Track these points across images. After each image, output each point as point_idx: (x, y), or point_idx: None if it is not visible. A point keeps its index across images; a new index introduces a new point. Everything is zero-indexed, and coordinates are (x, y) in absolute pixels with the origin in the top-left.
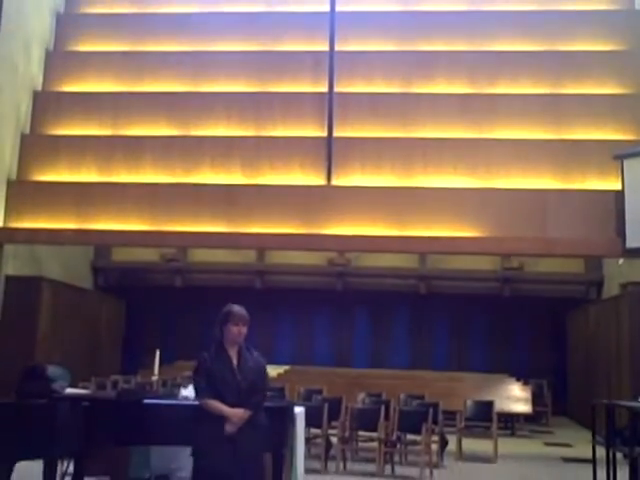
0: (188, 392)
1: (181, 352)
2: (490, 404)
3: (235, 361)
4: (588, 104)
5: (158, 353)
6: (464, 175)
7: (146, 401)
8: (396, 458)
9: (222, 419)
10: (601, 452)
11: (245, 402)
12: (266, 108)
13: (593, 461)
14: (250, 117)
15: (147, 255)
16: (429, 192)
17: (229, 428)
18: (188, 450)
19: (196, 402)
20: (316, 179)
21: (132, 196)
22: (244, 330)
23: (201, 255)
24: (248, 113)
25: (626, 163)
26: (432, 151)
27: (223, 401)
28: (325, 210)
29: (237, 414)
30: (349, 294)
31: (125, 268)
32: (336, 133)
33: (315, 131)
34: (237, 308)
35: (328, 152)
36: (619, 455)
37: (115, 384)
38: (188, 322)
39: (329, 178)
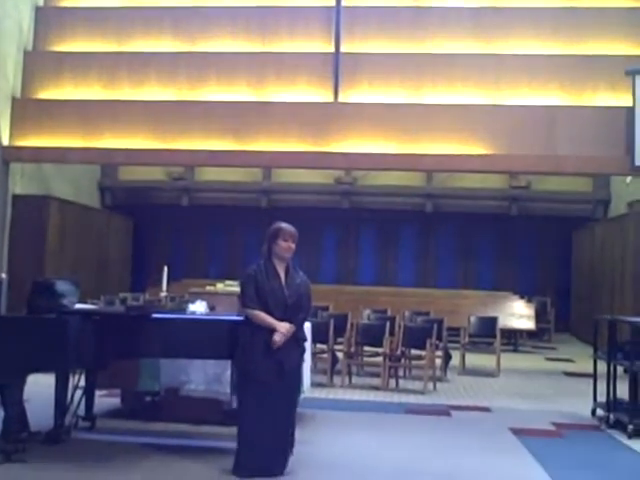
0: (196, 307)
1: (188, 269)
2: (494, 320)
3: (283, 277)
4: (602, 17)
5: (166, 270)
6: (473, 91)
7: (154, 315)
8: (400, 372)
9: (268, 331)
10: (602, 367)
11: (291, 317)
12: (272, 23)
13: (594, 375)
14: (256, 32)
15: (154, 174)
16: (438, 109)
17: (277, 339)
18: (198, 363)
19: (209, 316)
20: (323, 95)
21: (137, 113)
22: (293, 246)
23: (207, 174)
24: (254, 28)
25: (638, 79)
26: (441, 67)
27: (270, 315)
28: (332, 127)
29: (286, 327)
30: (355, 212)
31: (132, 187)
32: (344, 49)
33: (322, 47)
34: (286, 225)
35: (335, 68)
36: (620, 369)
37: (124, 301)
38: (195, 240)
39: (336, 95)
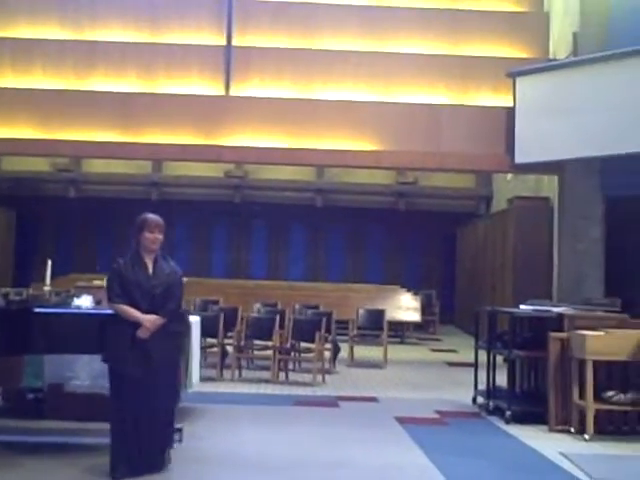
0: (81, 301)
1: (76, 264)
2: (381, 313)
3: (151, 268)
4: (485, 20)
5: (50, 263)
6: (363, 88)
7: (37, 309)
8: (290, 365)
9: (134, 324)
10: (483, 356)
11: (159, 309)
12: (162, 13)
13: (475, 364)
14: (145, 22)
15: (39, 165)
16: (328, 104)
17: (141, 333)
18: (83, 358)
19: (94, 310)
20: (215, 88)
21: (20, 102)
22: (160, 237)
23: (96, 166)
24: (143, 18)
25: (518, 81)
26: (332, 63)
27: (137, 307)
28: (223, 121)
29: (150, 319)
30: (247, 207)
31: (16, 177)
32: (236, 42)
33: (214, 39)
34: (152, 215)
35: (227, 61)
36: (499, 358)
37: (5, 296)
38: (82, 233)
39: (228, 88)
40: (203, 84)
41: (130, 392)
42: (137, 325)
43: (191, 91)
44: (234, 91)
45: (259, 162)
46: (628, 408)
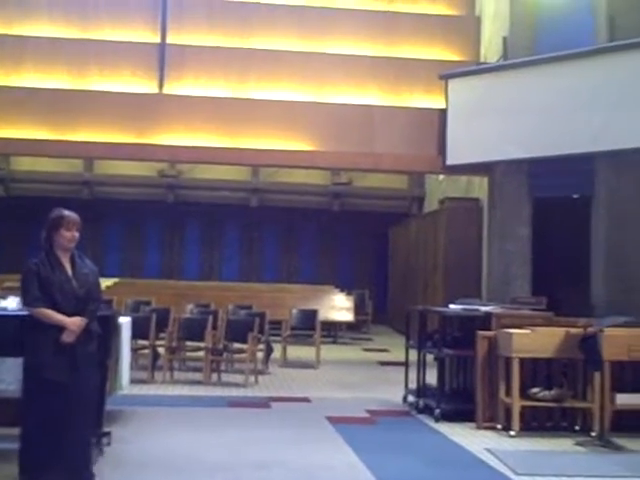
0: (7, 303)
1: (7, 264)
2: (314, 313)
3: (69, 268)
4: (419, 23)
5: None
6: (297, 88)
7: None
8: (223, 366)
9: (58, 328)
10: (414, 355)
11: (82, 310)
12: (93, 9)
13: (406, 363)
14: (76, 18)
15: None
16: (263, 104)
17: (67, 337)
18: (10, 362)
19: (20, 312)
20: (148, 86)
21: None
22: (77, 235)
23: (25, 163)
24: (73, 13)
25: (451, 83)
26: (266, 63)
27: (59, 310)
28: (157, 119)
29: (75, 322)
30: (180, 206)
31: None
32: (170, 40)
33: (148, 37)
34: (68, 212)
35: (161, 59)
36: (430, 357)
37: None
38: (11, 234)
39: (162, 86)
40: (136, 82)
41: (49, 398)
42: (61, 329)
43: (124, 89)
44: (168, 89)
45: (193, 161)
46: (552, 404)
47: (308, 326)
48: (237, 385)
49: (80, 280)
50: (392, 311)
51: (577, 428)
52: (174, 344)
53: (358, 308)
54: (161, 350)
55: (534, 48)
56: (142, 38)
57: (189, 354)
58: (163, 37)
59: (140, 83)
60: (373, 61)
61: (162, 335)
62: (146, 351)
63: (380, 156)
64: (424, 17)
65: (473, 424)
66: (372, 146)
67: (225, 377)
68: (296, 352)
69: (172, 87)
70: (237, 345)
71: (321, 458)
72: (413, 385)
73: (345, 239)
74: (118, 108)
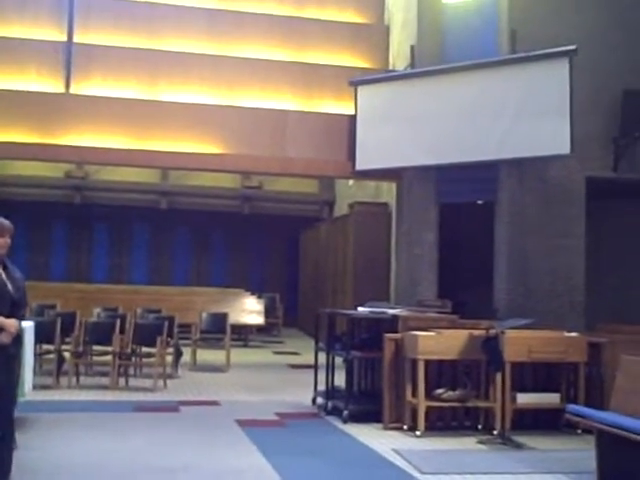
0: None
1: None
2: (224, 316)
3: (3, 273)
4: (329, 30)
5: None
6: (208, 91)
7: None
8: (131, 371)
9: None
10: (324, 358)
11: (15, 314)
12: None
13: (315, 365)
14: None
15: None
16: (173, 106)
17: (5, 338)
18: None
19: None
20: (54, 86)
21: None
22: (9, 241)
23: None
24: None
25: (360, 90)
26: (177, 65)
27: None
28: (63, 119)
29: (14, 324)
30: (87, 208)
31: None
32: (77, 39)
33: (54, 34)
34: (2, 219)
35: (67, 58)
36: (340, 360)
37: None
38: None
39: (68, 86)
40: (41, 81)
41: None
42: None
43: (28, 88)
44: (75, 89)
45: (100, 162)
46: (457, 404)
47: (218, 329)
48: (145, 389)
49: (15, 284)
50: (303, 314)
51: (480, 427)
52: (80, 348)
53: (269, 311)
54: (67, 355)
55: (441, 57)
56: (48, 36)
57: (96, 358)
58: (70, 36)
59: (45, 82)
60: (284, 66)
61: (68, 339)
62: (51, 356)
63: (291, 160)
64: (334, 24)
65: (380, 425)
66: (283, 150)
67: (133, 381)
68: (206, 356)
69: (79, 87)
70: (146, 349)
71: (230, 462)
72: (322, 387)
73: (256, 242)
74: (22, 107)
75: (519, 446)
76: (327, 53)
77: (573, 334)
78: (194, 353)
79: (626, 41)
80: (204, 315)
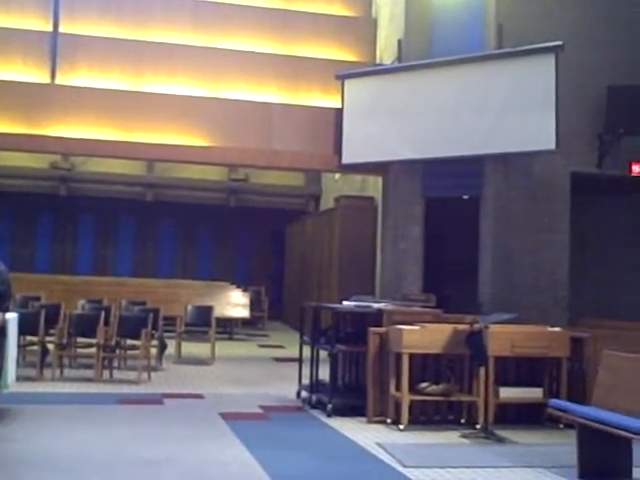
0: None
1: None
2: (209, 309)
3: None
4: (316, 23)
5: None
6: (194, 83)
7: None
8: (115, 363)
9: None
10: (308, 351)
11: (1, 306)
12: None
13: (300, 359)
14: None
15: None
16: (159, 98)
17: None
18: None
19: None
20: (40, 76)
21: None
22: None
23: None
24: None
25: (347, 83)
26: (163, 56)
27: None
28: (48, 110)
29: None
30: (73, 200)
31: None
32: (63, 29)
33: (40, 25)
34: None
35: (53, 48)
36: (324, 353)
37: None
38: None
39: (54, 76)
40: (27, 71)
41: None
42: None
43: (14, 78)
44: (60, 80)
45: (86, 154)
46: (440, 398)
47: (203, 322)
48: (129, 382)
49: (0, 276)
50: (288, 307)
51: (463, 421)
52: (64, 340)
53: (254, 304)
54: (51, 347)
55: (428, 51)
56: (33, 26)
57: (80, 351)
58: (55, 26)
59: (31, 72)
60: (271, 58)
61: (52, 331)
62: (35, 348)
63: (277, 153)
64: (321, 17)
65: (364, 418)
66: (269, 143)
67: (117, 374)
68: (191, 349)
69: (65, 77)
70: (130, 341)
71: (213, 455)
72: (307, 381)
73: (242, 235)
74: (7, 97)
75: (501, 440)
76: (314, 46)
77: (556, 329)
78: (179, 346)
79: (611, 38)
80: (189, 308)
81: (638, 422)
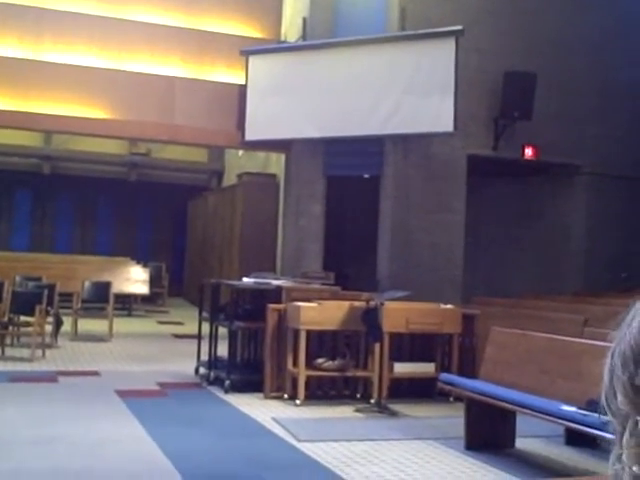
0: None
1: None
2: (107, 285)
3: None
4: None
5: None
6: (96, 54)
7: None
8: (7, 340)
9: None
10: (208, 328)
11: None
12: None
13: (198, 336)
14: None
15: None
16: (58, 67)
17: None
18: None
19: None
20: None
21: None
22: None
23: None
24: None
25: (251, 59)
26: (64, 25)
27: None
28: None
29: None
30: None
31: None
32: None
33: None
34: None
35: None
36: (224, 330)
37: None
38: None
39: None
40: None
41: None
42: None
43: None
44: None
45: None
46: (336, 374)
47: (101, 299)
48: (23, 360)
49: None
50: (189, 284)
51: (358, 396)
52: None
53: (154, 281)
54: None
55: (333, 31)
56: None
57: None
58: None
59: None
60: (176, 31)
61: None
62: None
63: (179, 128)
64: None
65: (261, 394)
66: (172, 117)
67: (10, 351)
68: (88, 325)
69: None
70: (24, 318)
71: (107, 432)
72: (206, 357)
73: (143, 210)
74: None
75: (394, 414)
76: (220, 20)
77: (449, 306)
78: (75, 322)
79: (511, 24)
80: (86, 284)
81: (521, 395)
